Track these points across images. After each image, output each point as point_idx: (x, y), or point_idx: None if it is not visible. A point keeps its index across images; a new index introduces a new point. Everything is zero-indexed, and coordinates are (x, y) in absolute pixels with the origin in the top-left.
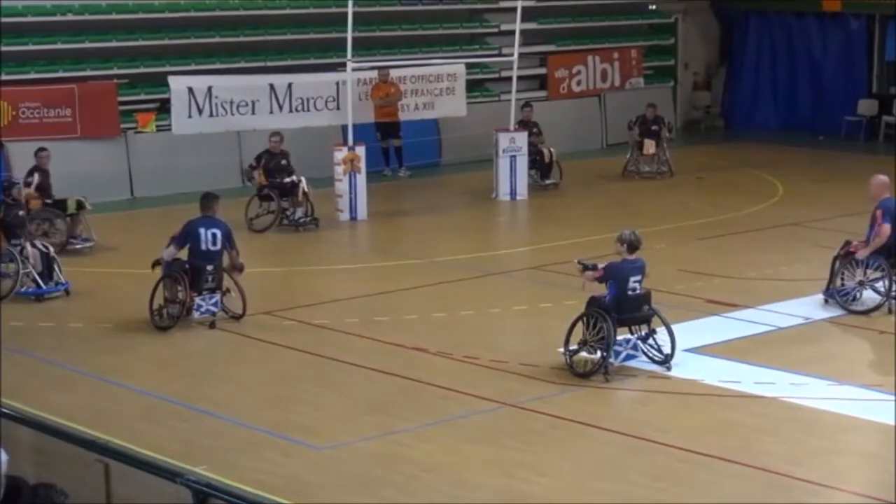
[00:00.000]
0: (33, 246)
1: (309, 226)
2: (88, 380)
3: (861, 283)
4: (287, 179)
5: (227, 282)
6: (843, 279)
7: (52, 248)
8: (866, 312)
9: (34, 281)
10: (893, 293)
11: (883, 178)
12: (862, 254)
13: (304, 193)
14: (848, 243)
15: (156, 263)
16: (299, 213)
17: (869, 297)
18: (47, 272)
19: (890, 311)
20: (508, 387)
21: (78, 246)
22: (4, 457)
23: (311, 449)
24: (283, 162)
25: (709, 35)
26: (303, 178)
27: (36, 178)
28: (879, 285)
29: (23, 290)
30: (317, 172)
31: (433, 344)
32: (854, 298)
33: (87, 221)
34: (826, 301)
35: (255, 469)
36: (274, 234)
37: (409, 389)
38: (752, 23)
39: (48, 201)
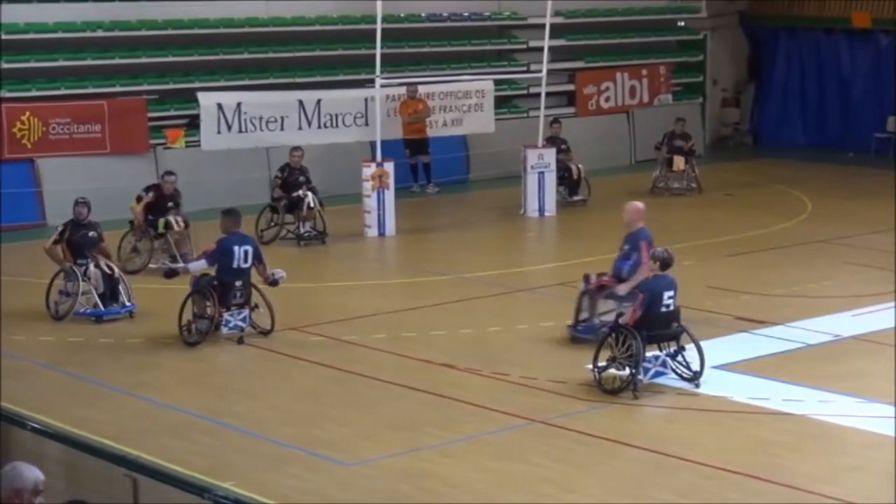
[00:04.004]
0: (97, 266)
1: (312, 241)
2: (117, 395)
3: (620, 315)
4: (294, 194)
5: (255, 297)
6: (592, 314)
7: (116, 269)
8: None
9: (95, 301)
10: None
11: (639, 204)
12: (623, 289)
13: (310, 208)
14: (588, 277)
15: (191, 292)
16: (305, 227)
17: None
18: (110, 293)
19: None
20: (536, 403)
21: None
22: (41, 475)
23: (337, 465)
24: (301, 178)
25: (738, 52)
26: (309, 194)
27: (149, 195)
28: None
29: (82, 310)
30: (345, 188)
31: (461, 360)
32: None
33: (173, 241)
34: (573, 339)
35: (281, 485)
36: (301, 250)
37: (436, 406)
38: (782, 39)
39: (150, 217)
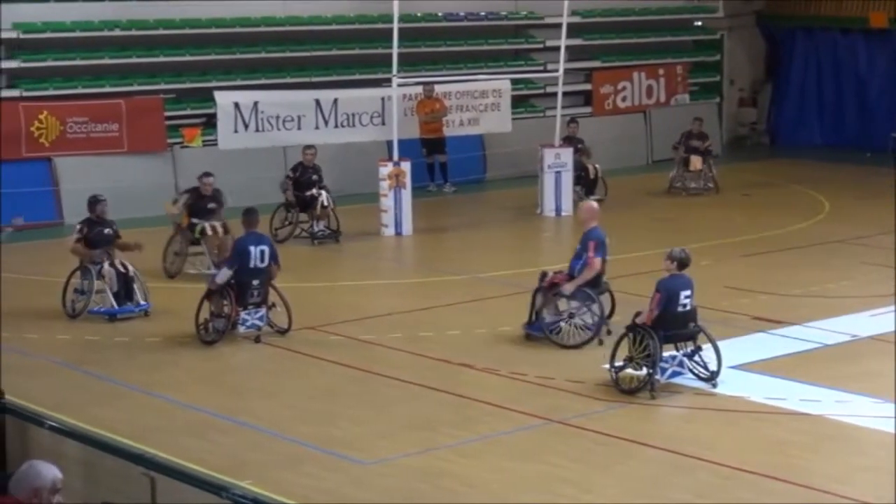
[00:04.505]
0: (111, 265)
1: (326, 239)
2: (134, 394)
3: (571, 316)
4: (308, 193)
5: (272, 296)
6: (546, 312)
7: (131, 268)
8: (577, 346)
9: (110, 300)
10: (605, 322)
11: (593, 204)
12: (569, 288)
13: (324, 207)
14: (545, 275)
15: (208, 292)
16: (318, 226)
17: (577, 329)
18: (125, 292)
19: (601, 343)
20: (554, 403)
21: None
22: (59, 474)
23: (354, 464)
24: (315, 177)
25: (754, 51)
26: (322, 192)
27: (186, 197)
28: (586, 317)
29: (96, 309)
30: (362, 188)
31: (479, 360)
32: (562, 332)
33: (211, 247)
34: (528, 336)
35: (298, 484)
36: (316, 249)
37: (453, 405)
38: (799, 39)
39: (195, 221)
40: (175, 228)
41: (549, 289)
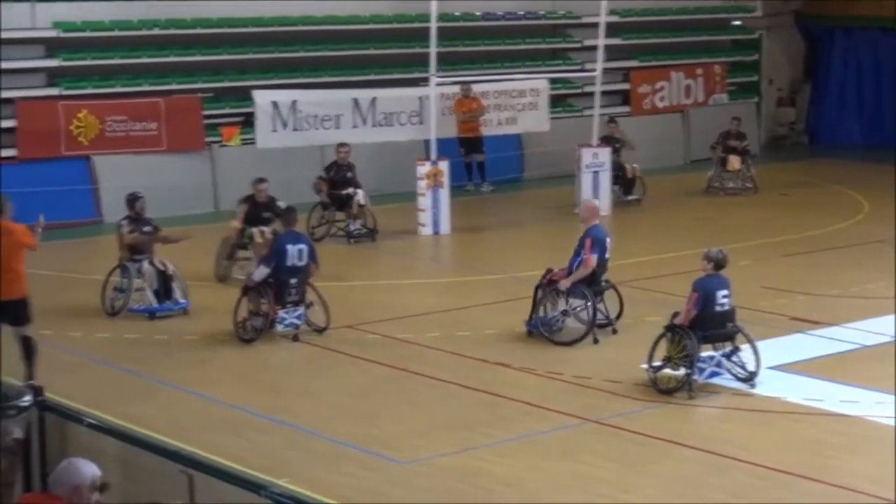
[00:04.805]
0: (151, 263)
1: (362, 238)
2: (172, 391)
3: (565, 313)
4: (344, 191)
5: (310, 295)
6: (545, 309)
7: (170, 266)
8: (571, 343)
9: (150, 299)
10: (604, 319)
11: (593, 203)
12: (564, 284)
13: (360, 206)
14: (550, 271)
15: (246, 289)
16: (355, 224)
17: (573, 326)
18: (164, 291)
19: (595, 341)
20: (591, 403)
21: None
22: (98, 471)
23: (392, 463)
24: (349, 174)
25: (793, 51)
26: (359, 191)
27: (244, 207)
28: (583, 314)
29: (135, 307)
30: (399, 187)
31: (515, 359)
32: (559, 328)
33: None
34: (530, 332)
35: (336, 482)
36: (355, 248)
37: (491, 404)
38: (837, 38)
39: (245, 227)
40: (229, 236)
41: (548, 285)
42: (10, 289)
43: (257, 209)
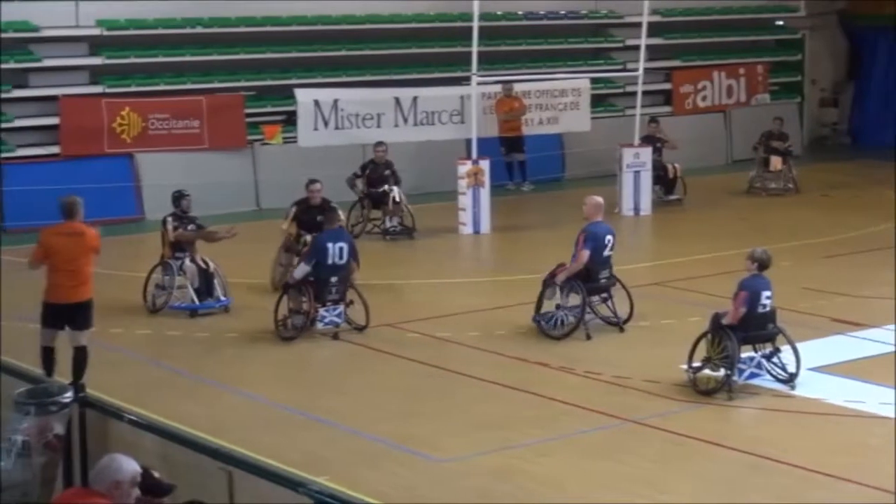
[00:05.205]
0: (193, 261)
1: (399, 236)
2: (212, 389)
3: (558, 307)
4: (380, 189)
5: (350, 293)
6: (541, 303)
7: (212, 264)
8: (560, 337)
9: (191, 296)
10: (612, 318)
11: (597, 199)
12: (559, 278)
13: (396, 203)
14: (562, 266)
15: (286, 287)
16: (391, 222)
17: (569, 321)
18: (206, 288)
19: (588, 337)
20: (630, 403)
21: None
22: (139, 467)
23: (430, 461)
24: (387, 172)
25: (836, 51)
26: (394, 189)
27: (294, 210)
28: (579, 310)
29: (176, 304)
30: (440, 186)
31: (555, 358)
32: (560, 323)
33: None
34: (538, 327)
35: (375, 480)
36: (396, 247)
37: (530, 404)
38: (881, 39)
39: (302, 233)
40: (284, 241)
41: (551, 279)
42: (78, 291)
43: (310, 212)
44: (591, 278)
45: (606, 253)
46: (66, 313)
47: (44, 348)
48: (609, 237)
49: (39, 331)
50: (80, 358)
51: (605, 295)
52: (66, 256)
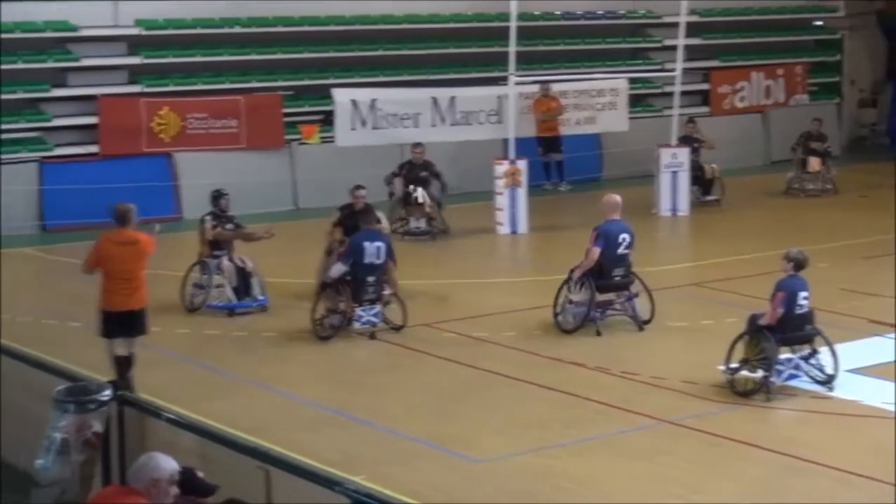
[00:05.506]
0: (231, 260)
1: (422, 237)
2: (250, 388)
3: (570, 303)
4: (408, 189)
5: (387, 293)
6: (558, 298)
7: (249, 263)
8: (570, 331)
9: (229, 295)
10: (634, 317)
11: (614, 197)
12: (575, 274)
13: (418, 204)
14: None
15: (323, 286)
16: (417, 223)
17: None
18: (243, 288)
19: (598, 333)
20: (667, 404)
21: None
22: (177, 466)
23: (467, 461)
24: (422, 174)
25: (875, 51)
26: (418, 190)
27: (338, 215)
28: (586, 306)
29: (215, 303)
30: (477, 186)
31: (591, 359)
32: (571, 317)
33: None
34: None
35: (411, 480)
36: (432, 247)
37: (566, 404)
38: None
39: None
40: (328, 245)
41: (570, 275)
42: (133, 298)
43: (354, 217)
44: (604, 275)
45: (621, 251)
46: (123, 320)
47: (114, 358)
48: (624, 235)
49: (105, 343)
50: (128, 362)
51: (627, 294)
52: (121, 265)
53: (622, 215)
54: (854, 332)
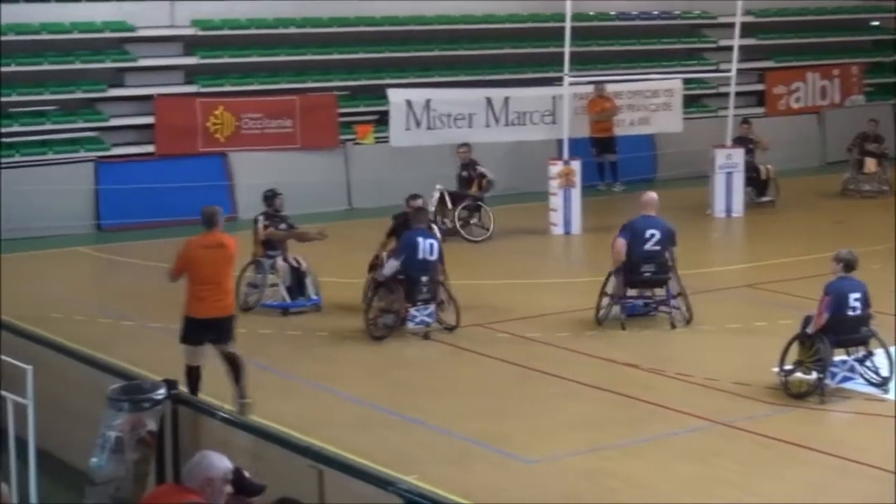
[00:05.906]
0: (285, 260)
1: (448, 236)
2: (303, 387)
3: (604, 294)
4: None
5: (441, 293)
6: (602, 293)
7: (303, 263)
8: (599, 322)
9: (283, 294)
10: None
11: (650, 195)
12: (612, 268)
13: (442, 203)
14: None
15: (377, 286)
16: (443, 224)
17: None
18: (297, 287)
19: (623, 328)
20: (720, 405)
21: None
22: (230, 464)
23: (519, 462)
24: (463, 174)
25: None
26: (438, 187)
27: (391, 224)
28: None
29: (268, 302)
30: (532, 186)
31: (645, 360)
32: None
33: None
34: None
35: (463, 480)
36: (485, 247)
37: (619, 405)
38: None
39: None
40: (373, 260)
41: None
42: (221, 305)
43: (409, 225)
44: (633, 271)
45: (648, 247)
46: (209, 328)
47: (189, 368)
48: (651, 231)
49: (184, 349)
50: (235, 363)
51: (664, 294)
52: (209, 270)
53: (674, 215)
54: None
